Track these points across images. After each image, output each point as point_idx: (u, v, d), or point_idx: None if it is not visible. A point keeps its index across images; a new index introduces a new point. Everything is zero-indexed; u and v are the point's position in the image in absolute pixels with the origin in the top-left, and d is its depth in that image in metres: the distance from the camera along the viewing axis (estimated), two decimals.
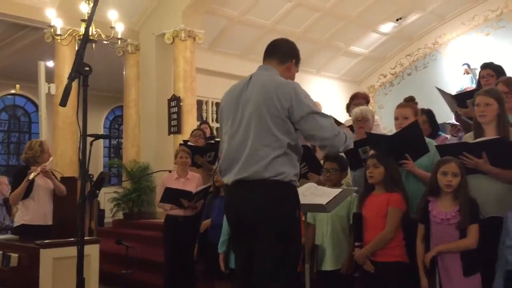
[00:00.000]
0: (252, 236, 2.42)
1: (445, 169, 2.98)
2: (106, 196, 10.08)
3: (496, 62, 4.64)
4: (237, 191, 2.47)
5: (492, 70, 4.41)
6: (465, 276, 2.87)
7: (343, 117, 5.95)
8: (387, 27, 11.47)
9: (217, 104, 9.73)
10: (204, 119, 9.83)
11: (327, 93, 11.57)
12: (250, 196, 2.41)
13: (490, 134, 3.11)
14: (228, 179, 2.51)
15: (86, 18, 6.45)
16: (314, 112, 2.41)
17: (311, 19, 10.47)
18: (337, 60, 12.05)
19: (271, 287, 2.38)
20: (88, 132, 4.57)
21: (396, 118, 3.57)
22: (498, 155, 2.97)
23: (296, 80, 2.78)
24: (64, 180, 5.46)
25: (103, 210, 10.46)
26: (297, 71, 2.70)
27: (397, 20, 11.20)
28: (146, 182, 9.02)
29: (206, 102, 10.44)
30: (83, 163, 2.00)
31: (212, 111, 10.51)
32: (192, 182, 4.97)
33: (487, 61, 4.73)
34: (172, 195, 4.82)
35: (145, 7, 9.34)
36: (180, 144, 5.71)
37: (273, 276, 2.37)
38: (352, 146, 2.62)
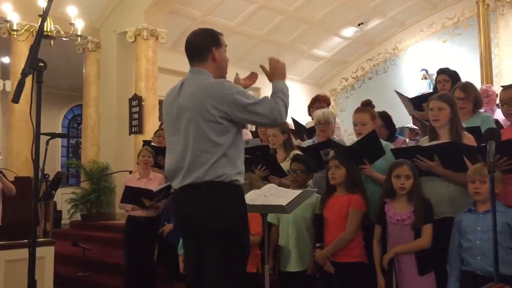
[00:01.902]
0: (199, 236, 2.45)
1: (398, 172, 3.06)
2: (63, 197, 9.82)
3: (452, 68, 4.79)
4: (182, 195, 2.51)
5: (447, 75, 4.56)
6: (420, 275, 2.95)
7: (305, 119, 6.01)
8: (349, 31, 11.67)
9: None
10: None
11: (290, 95, 11.62)
12: (194, 198, 2.44)
13: (444, 137, 3.21)
14: (174, 185, 2.56)
15: None
16: (251, 103, 2.41)
17: (275, 22, 10.53)
18: (300, 63, 12.17)
19: (220, 287, 2.40)
20: (45, 131, 4.42)
21: (354, 124, 3.65)
22: (449, 158, 3.07)
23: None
24: (18, 180, 5.27)
25: (60, 211, 10.18)
26: (226, 50, 2.62)
27: (358, 25, 11.41)
28: (105, 182, 8.83)
29: None
30: (36, 162, 1.93)
31: None
32: (154, 182, 4.91)
33: (444, 67, 4.88)
34: (132, 194, 4.74)
35: (106, 4, 9.16)
36: (143, 145, 5.62)
37: (220, 275, 2.39)
38: (288, 100, 2.59)
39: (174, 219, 2.79)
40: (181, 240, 3.93)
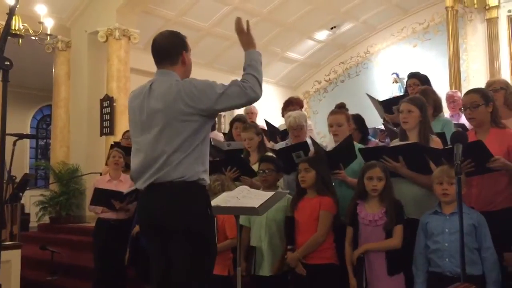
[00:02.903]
0: (165, 237, 2.44)
1: (370, 174, 3.10)
2: (31, 199, 9.60)
3: (422, 72, 4.89)
4: (148, 195, 2.49)
5: (418, 79, 4.65)
6: (389, 275, 2.99)
7: (279, 121, 6.04)
8: (322, 34, 11.78)
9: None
10: None
11: (264, 97, 11.55)
12: (159, 197, 2.43)
13: (413, 139, 3.27)
14: (140, 185, 2.54)
15: None
16: (221, 92, 2.44)
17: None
18: (274, 65, 12.21)
19: (186, 287, 2.39)
20: (13, 132, 4.28)
21: (330, 125, 3.69)
22: (414, 160, 3.13)
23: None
24: None
25: (28, 214, 9.93)
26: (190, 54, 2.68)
27: (331, 28, 11.53)
28: (75, 184, 8.67)
29: None
30: (1, 164, 1.88)
31: None
32: (125, 184, 4.84)
33: (415, 71, 4.98)
34: (102, 196, 4.67)
35: (77, 3, 9.00)
36: (112, 145, 5.54)
37: (188, 276, 2.38)
38: (261, 69, 2.60)
39: (140, 220, 2.76)
40: None
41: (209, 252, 2.48)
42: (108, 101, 8.60)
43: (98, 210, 4.81)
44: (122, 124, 8.50)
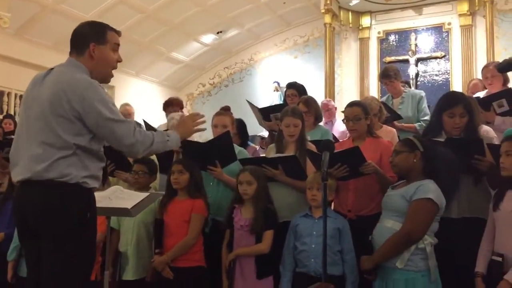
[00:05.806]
0: (38, 241, 2.26)
1: (240, 179, 3.20)
2: None
3: (301, 83, 5.13)
4: (22, 192, 2.31)
5: (295, 90, 4.90)
6: (258, 279, 3.09)
7: (159, 121, 5.93)
8: (208, 38, 11.83)
9: (22, 97, 8.80)
10: (6, 112, 8.80)
11: (146, 96, 11.39)
12: (33, 197, 2.25)
13: (291, 147, 3.46)
14: (14, 178, 2.35)
15: None
16: (109, 119, 2.27)
17: (134, 19, 10.21)
18: (158, 65, 11.98)
19: None
20: None
21: (215, 126, 3.72)
22: (291, 168, 3.32)
23: (114, 80, 2.65)
24: None
25: None
26: (116, 48, 2.45)
27: (217, 33, 11.62)
28: None
29: (9, 94, 9.34)
30: None
31: (15, 104, 9.45)
32: None
33: (295, 80, 5.23)
34: None
35: None
36: None
37: (58, 284, 2.21)
38: (164, 149, 2.52)
39: (14, 221, 2.54)
40: (12, 245, 3.59)
41: (84, 259, 2.29)
42: None
43: None
44: None
